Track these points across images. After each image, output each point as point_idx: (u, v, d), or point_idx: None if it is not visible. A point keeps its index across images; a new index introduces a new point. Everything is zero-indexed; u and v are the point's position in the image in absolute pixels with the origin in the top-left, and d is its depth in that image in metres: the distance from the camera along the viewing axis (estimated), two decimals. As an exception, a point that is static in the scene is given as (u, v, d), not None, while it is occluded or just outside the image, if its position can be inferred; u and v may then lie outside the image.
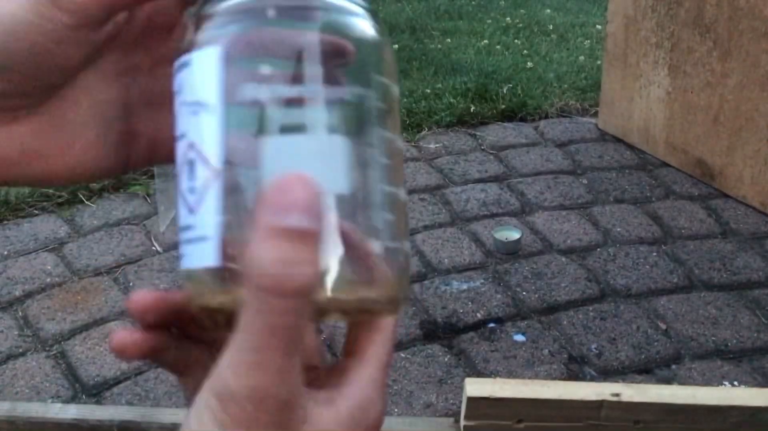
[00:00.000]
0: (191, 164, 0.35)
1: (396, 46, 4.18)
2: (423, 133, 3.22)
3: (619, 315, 2.22)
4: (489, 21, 4.68)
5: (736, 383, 2.00)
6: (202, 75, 0.35)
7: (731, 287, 2.34)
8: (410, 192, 2.78)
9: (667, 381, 2.00)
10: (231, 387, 0.30)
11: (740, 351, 2.11)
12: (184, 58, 0.36)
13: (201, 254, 0.34)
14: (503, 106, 3.38)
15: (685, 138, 2.92)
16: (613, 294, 2.30)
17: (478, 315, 2.20)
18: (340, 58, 0.35)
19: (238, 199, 0.34)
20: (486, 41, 4.29)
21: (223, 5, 0.36)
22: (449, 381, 1.98)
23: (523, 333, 2.14)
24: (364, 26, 0.37)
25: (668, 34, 2.91)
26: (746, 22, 2.60)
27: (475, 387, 0.97)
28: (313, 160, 0.34)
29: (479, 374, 1.99)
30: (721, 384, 2.00)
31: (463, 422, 0.99)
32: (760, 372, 2.04)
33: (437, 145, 3.12)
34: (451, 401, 1.90)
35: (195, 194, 0.34)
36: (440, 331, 2.14)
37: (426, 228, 2.56)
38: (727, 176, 2.78)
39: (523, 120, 3.33)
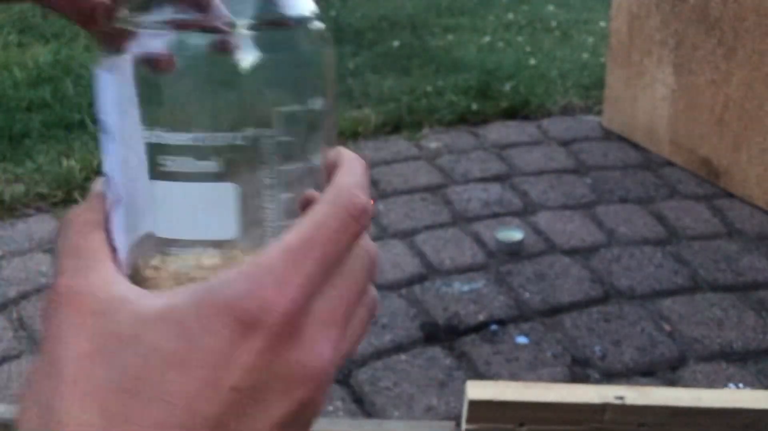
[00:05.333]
0: (107, 175, 0.36)
1: (397, 43, 4.16)
2: (424, 131, 3.19)
3: (623, 316, 2.20)
4: (491, 18, 4.67)
5: (741, 385, 1.98)
6: (106, 98, 0.35)
7: (736, 288, 2.32)
8: (411, 191, 2.76)
9: (672, 383, 1.98)
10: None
11: (745, 353, 2.09)
12: (98, 71, 0.35)
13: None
14: (505, 104, 3.36)
15: (689, 136, 2.89)
16: (617, 296, 2.28)
17: (480, 316, 2.18)
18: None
19: (134, 225, 0.36)
20: (488, 38, 4.27)
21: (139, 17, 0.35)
22: (450, 384, 1.96)
23: (526, 335, 2.12)
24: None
25: (673, 31, 2.88)
26: (752, 20, 2.58)
27: (477, 390, 0.96)
28: (200, 209, 0.35)
29: (481, 377, 1.97)
30: (726, 386, 1.98)
31: (464, 425, 0.98)
32: (765, 374, 2.02)
33: (438, 144, 3.09)
34: (453, 404, 1.88)
35: (109, 204, 0.36)
36: (441, 333, 2.12)
37: (427, 228, 2.53)
38: (733, 175, 2.76)
39: (525, 118, 3.31)
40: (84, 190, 2.65)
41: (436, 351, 2.07)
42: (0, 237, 2.46)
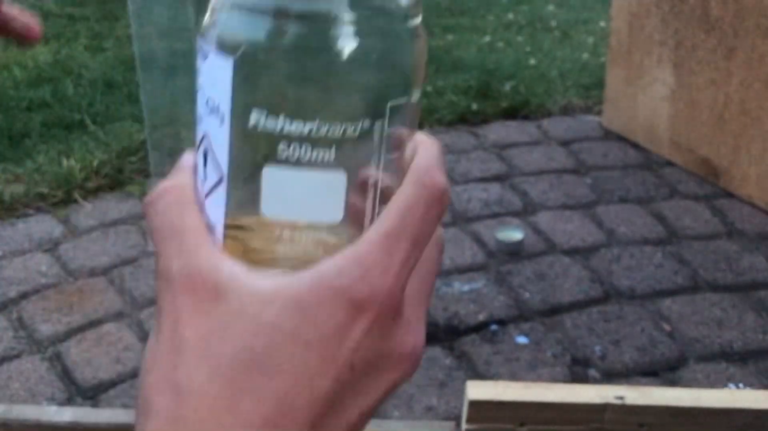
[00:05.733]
0: (206, 153, 0.38)
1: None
2: (424, 131, 3.19)
3: (623, 316, 2.20)
4: (491, 18, 4.66)
5: (741, 385, 1.98)
6: (216, 79, 0.37)
7: (736, 288, 2.32)
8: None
9: (672, 383, 1.98)
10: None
11: (745, 353, 2.09)
12: (206, 47, 0.37)
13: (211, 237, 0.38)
14: (505, 104, 3.36)
15: (689, 136, 2.89)
16: (617, 296, 2.28)
17: (480, 316, 2.18)
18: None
19: (238, 204, 0.38)
20: (488, 38, 4.26)
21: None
22: (450, 384, 1.96)
23: (526, 335, 2.12)
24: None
25: (672, 31, 2.88)
26: (752, 19, 2.58)
27: (477, 390, 0.96)
28: (312, 196, 0.37)
29: (481, 377, 1.97)
30: (726, 386, 1.98)
31: (464, 425, 0.98)
32: (765, 374, 2.02)
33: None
34: (453, 404, 1.88)
35: (207, 182, 0.38)
36: (441, 333, 2.12)
37: (427, 227, 2.53)
38: (733, 175, 2.76)
39: (525, 118, 3.31)
40: (84, 189, 2.65)
41: (436, 351, 2.07)
42: (0, 237, 2.46)
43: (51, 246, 2.43)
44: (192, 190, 0.38)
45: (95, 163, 2.72)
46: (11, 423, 1.30)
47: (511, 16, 4.68)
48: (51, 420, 1.31)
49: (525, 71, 3.74)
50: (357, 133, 0.36)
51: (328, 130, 0.36)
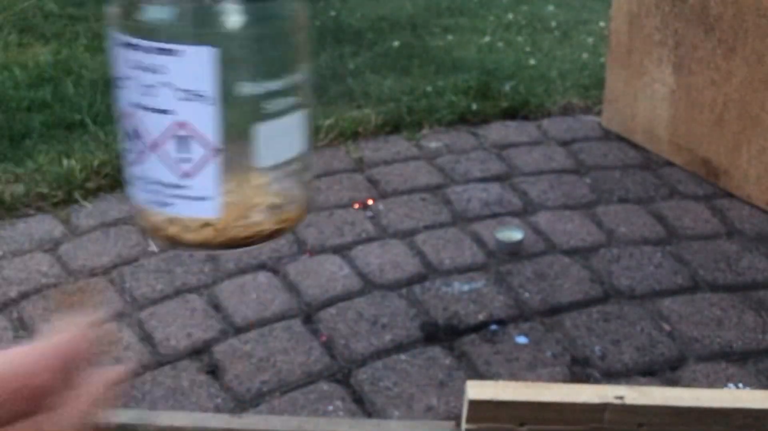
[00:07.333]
0: (183, 139, 0.45)
1: (397, 43, 4.16)
2: (424, 131, 3.19)
3: (623, 316, 2.20)
4: (491, 18, 4.66)
5: (740, 385, 1.98)
6: (196, 68, 0.44)
7: (736, 288, 2.32)
8: (411, 191, 2.76)
9: (672, 383, 1.98)
10: None
11: (745, 353, 2.09)
12: (168, 45, 0.44)
13: (199, 208, 0.47)
14: (505, 104, 3.36)
15: (689, 137, 2.89)
16: (616, 296, 2.28)
17: (480, 316, 2.18)
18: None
19: (234, 171, 0.46)
20: (488, 38, 4.26)
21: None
22: (450, 384, 1.96)
23: (526, 335, 2.12)
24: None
25: (672, 31, 2.88)
26: (751, 20, 2.58)
27: (477, 390, 0.96)
28: (288, 135, 0.47)
29: (481, 377, 1.97)
30: (726, 386, 1.98)
31: (464, 425, 0.98)
32: (765, 374, 2.02)
33: (438, 144, 3.09)
34: (453, 404, 1.88)
35: (190, 164, 0.45)
36: (441, 333, 2.12)
37: (427, 228, 2.53)
38: (732, 175, 2.76)
39: (525, 118, 3.31)
40: (84, 190, 2.65)
41: (436, 351, 2.07)
42: (0, 237, 2.46)
43: (51, 246, 2.43)
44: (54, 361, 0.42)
45: (96, 163, 2.71)
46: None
47: (510, 16, 4.68)
48: (51, 420, 1.32)
49: (525, 71, 3.74)
50: (305, 79, 0.47)
51: (293, 81, 0.46)
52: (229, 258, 2.37)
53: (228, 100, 0.44)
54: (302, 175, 0.48)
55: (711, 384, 1.97)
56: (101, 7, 4.34)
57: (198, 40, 0.43)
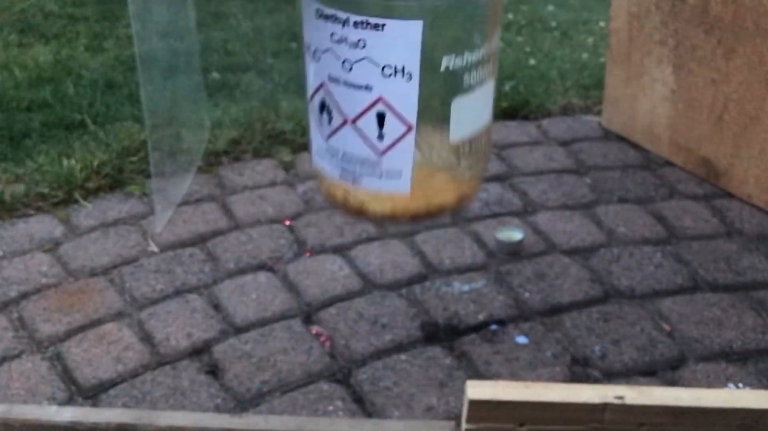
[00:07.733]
0: (381, 116, 0.43)
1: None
2: (424, 131, 3.19)
3: (623, 316, 2.20)
4: (491, 19, 4.66)
5: (741, 385, 1.98)
6: (401, 44, 0.46)
7: (736, 288, 2.32)
8: (411, 191, 2.76)
9: (672, 383, 1.98)
10: None
11: (745, 353, 2.09)
12: (373, 19, 0.44)
13: (391, 183, 0.44)
14: (505, 104, 3.35)
15: (689, 137, 2.89)
16: (616, 296, 2.28)
17: (480, 316, 2.18)
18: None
19: (426, 146, 0.43)
20: (488, 39, 4.26)
21: None
22: (450, 384, 1.96)
23: (526, 335, 2.12)
24: None
25: (672, 31, 2.88)
26: (752, 20, 2.58)
27: (477, 390, 0.97)
28: (478, 108, 0.46)
29: (481, 377, 1.97)
30: (726, 386, 1.98)
31: (464, 425, 0.98)
32: (765, 374, 2.02)
33: (438, 144, 3.09)
34: (453, 404, 1.88)
35: (386, 140, 0.43)
36: (441, 333, 2.12)
37: (427, 228, 2.53)
38: (732, 175, 2.76)
39: (525, 118, 3.31)
40: (84, 189, 2.65)
41: (435, 350, 2.07)
42: (0, 237, 2.46)
43: (51, 246, 2.43)
44: None
45: (96, 163, 2.72)
46: (12, 422, 1.31)
47: (510, 16, 4.67)
48: (51, 419, 1.32)
49: (524, 71, 3.74)
50: (496, 48, 0.47)
51: (484, 54, 0.39)
52: (229, 258, 2.38)
53: (429, 75, 0.45)
54: (486, 148, 0.50)
55: (711, 384, 1.97)
56: (101, 7, 4.33)
57: (407, 14, 0.42)
